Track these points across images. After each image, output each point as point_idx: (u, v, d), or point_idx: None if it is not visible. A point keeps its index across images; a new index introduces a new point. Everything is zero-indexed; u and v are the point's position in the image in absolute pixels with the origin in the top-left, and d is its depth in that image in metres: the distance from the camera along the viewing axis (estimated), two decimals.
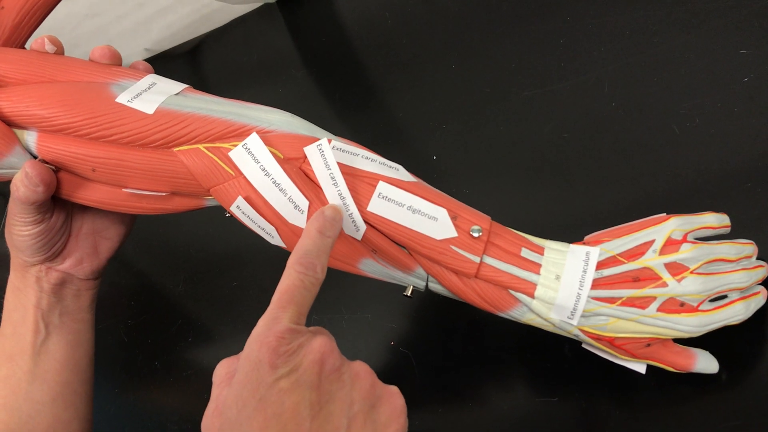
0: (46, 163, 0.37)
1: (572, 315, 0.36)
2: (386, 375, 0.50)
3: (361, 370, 0.30)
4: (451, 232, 0.36)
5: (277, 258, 0.59)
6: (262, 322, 0.30)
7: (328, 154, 0.36)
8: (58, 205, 0.40)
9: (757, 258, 0.39)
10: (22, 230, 0.38)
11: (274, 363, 0.28)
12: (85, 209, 0.42)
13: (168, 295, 0.64)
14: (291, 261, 0.32)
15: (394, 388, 0.31)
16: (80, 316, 0.43)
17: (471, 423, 0.45)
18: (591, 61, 0.53)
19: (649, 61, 0.50)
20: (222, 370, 0.31)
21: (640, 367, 0.39)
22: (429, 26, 0.63)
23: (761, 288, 0.39)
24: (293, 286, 0.31)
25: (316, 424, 0.27)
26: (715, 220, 0.38)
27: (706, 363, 0.38)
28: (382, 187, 0.36)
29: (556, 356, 0.45)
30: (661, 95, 0.49)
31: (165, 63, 0.79)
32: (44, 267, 0.41)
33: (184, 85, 0.39)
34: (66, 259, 0.42)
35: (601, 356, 0.40)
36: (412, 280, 0.39)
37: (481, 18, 0.60)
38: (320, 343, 0.29)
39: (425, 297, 0.51)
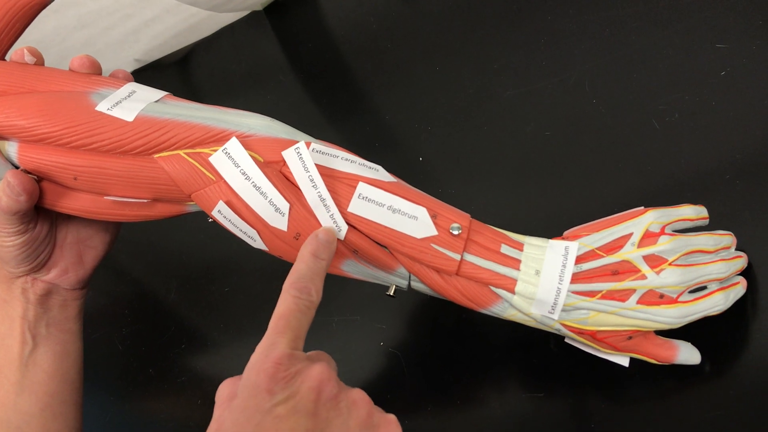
0: (28, 173, 0.37)
1: (553, 309, 0.36)
2: (376, 375, 0.50)
3: (359, 398, 0.31)
4: (431, 230, 0.36)
5: (268, 264, 0.59)
6: (259, 348, 0.30)
7: (306, 157, 0.36)
8: (42, 215, 0.40)
9: (736, 249, 0.40)
10: (6, 241, 0.38)
11: (271, 389, 0.28)
12: (68, 219, 0.42)
13: (160, 302, 0.64)
14: (286, 285, 0.33)
15: (392, 417, 0.31)
16: (67, 327, 0.43)
17: (460, 420, 0.46)
18: (571, 60, 0.53)
19: (628, 58, 0.51)
20: (225, 390, 0.31)
21: (623, 361, 0.39)
22: (413, 30, 0.63)
23: (740, 278, 0.39)
24: (289, 310, 0.32)
25: None
26: (692, 212, 0.38)
27: (688, 354, 0.39)
28: (361, 187, 0.37)
29: (542, 352, 0.45)
30: (641, 91, 0.49)
31: (155, 73, 0.80)
32: (30, 278, 0.41)
33: (164, 93, 0.40)
34: (51, 270, 0.42)
35: (584, 351, 0.40)
36: (395, 279, 0.39)
37: (464, 20, 0.60)
38: (318, 371, 0.30)
39: (413, 298, 0.52)
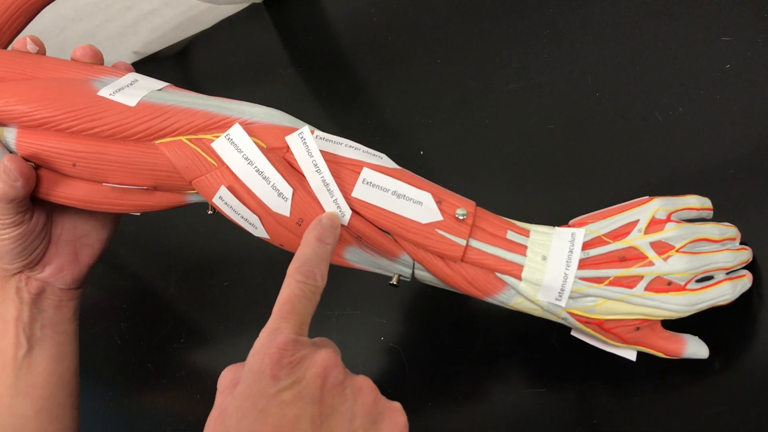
0: (26, 160, 0.37)
1: (560, 296, 0.36)
2: (376, 370, 0.50)
3: (364, 384, 0.30)
4: (436, 215, 0.36)
5: (268, 258, 0.59)
6: (264, 333, 0.30)
7: (310, 142, 0.36)
8: (38, 208, 0.39)
9: (740, 243, 0.40)
10: (1, 234, 0.38)
11: (277, 374, 0.28)
12: (64, 214, 0.42)
13: (159, 297, 0.64)
14: (291, 270, 0.32)
15: (397, 405, 0.30)
16: (62, 328, 0.42)
17: (461, 415, 0.45)
18: (574, 53, 0.53)
19: (632, 51, 0.51)
20: (227, 377, 0.31)
21: (631, 354, 0.39)
22: (414, 22, 0.63)
23: (746, 271, 0.39)
24: (293, 295, 0.31)
25: None
26: (696, 202, 0.38)
27: (696, 348, 0.38)
28: (366, 173, 0.36)
29: (544, 347, 0.44)
30: (644, 84, 0.49)
31: (154, 66, 0.79)
32: (24, 276, 0.40)
33: (166, 83, 0.39)
34: (46, 267, 0.41)
35: (590, 344, 0.40)
36: (398, 267, 0.39)
37: (466, 12, 0.60)
38: (324, 356, 0.29)
39: (414, 292, 0.51)
